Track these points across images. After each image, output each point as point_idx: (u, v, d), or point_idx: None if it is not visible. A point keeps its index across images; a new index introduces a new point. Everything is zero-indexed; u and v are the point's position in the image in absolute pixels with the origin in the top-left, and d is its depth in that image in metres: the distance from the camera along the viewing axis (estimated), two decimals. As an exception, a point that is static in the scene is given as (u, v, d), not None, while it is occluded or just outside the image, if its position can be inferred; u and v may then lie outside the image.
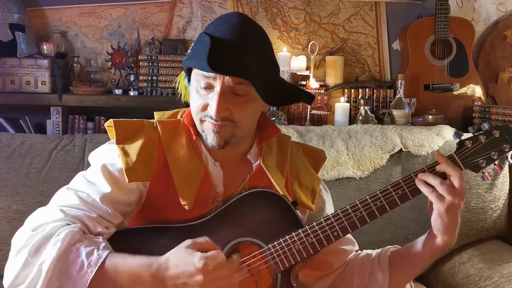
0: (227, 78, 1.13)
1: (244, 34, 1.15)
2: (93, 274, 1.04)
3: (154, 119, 1.31)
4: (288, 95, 1.27)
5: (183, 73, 1.32)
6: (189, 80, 1.25)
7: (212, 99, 1.15)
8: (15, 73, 2.44)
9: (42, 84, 2.45)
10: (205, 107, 1.17)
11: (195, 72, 1.19)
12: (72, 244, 1.06)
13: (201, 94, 1.17)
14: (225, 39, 1.12)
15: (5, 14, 2.40)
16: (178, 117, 1.31)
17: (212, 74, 1.14)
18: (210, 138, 1.19)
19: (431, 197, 1.16)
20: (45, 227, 1.09)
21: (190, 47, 1.22)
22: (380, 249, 1.35)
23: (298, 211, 1.26)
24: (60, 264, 1.04)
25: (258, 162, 1.28)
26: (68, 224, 1.10)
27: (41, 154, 2.00)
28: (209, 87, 1.16)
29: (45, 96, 2.46)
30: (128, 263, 1.07)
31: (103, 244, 1.09)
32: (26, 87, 2.45)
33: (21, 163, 1.97)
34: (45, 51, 2.50)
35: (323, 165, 1.45)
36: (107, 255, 1.07)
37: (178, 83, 1.36)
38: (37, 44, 2.52)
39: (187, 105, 1.31)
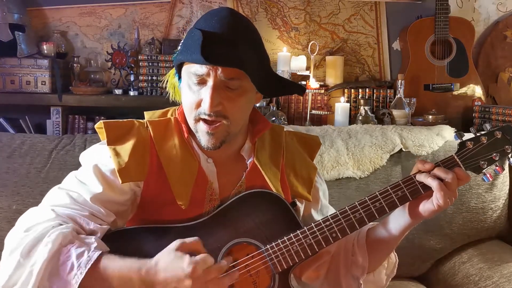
0: (219, 72, 1.13)
1: (235, 26, 1.15)
2: (82, 275, 1.03)
3: (145, 119, 1.30)
4: (280, 86, 1.28)
5: (172, 71, 1.31)
6: (179, 78, 1.24)
7: (205, 94, 1.14)
8: (15, 73, 2.44)
9: (42, 84, 2.46)
10: (198, 104, 1.17)
11: (187, 69, 1.18)
12: (64, 245, 1.06)
13: (194, 90, 1.17)
14: (216, 32, 1.12)
15: (5, 14, 2.40)
16: (169, 115, 1.30)
17: (205, 70, 1.13)
18: (205, 140, 1.19)
19: (439, 188, 1.14)
20: (37, 227, 1.09)
21: (180, 43, 1.22)
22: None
23: (296, 212, 1.25)
24: (51, 265, 1.04)
25: (251, 159, 1.28)
26: (60, 224, 1.10)
27: (41, 154, 2.00)
28: (201, 82, 1.16)
29: (45, 96, 2.46)
30: (118, 265, 1.07)
31: (95, 244, 1.08)
32: (26, 87, 2.45)
33: (21, 163, 1.97)
34: (45, 51, 2.50)
35: (318, 151, 1.44)
36: (98, 256, 1.06)
37: (166, 82, 1.35)
38: (37, 44, 2.52)
39: (175, 104, 1.31)
